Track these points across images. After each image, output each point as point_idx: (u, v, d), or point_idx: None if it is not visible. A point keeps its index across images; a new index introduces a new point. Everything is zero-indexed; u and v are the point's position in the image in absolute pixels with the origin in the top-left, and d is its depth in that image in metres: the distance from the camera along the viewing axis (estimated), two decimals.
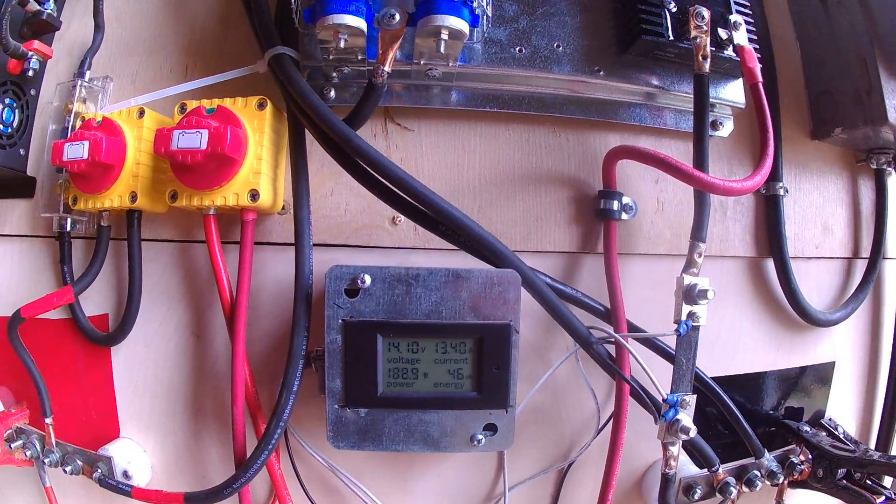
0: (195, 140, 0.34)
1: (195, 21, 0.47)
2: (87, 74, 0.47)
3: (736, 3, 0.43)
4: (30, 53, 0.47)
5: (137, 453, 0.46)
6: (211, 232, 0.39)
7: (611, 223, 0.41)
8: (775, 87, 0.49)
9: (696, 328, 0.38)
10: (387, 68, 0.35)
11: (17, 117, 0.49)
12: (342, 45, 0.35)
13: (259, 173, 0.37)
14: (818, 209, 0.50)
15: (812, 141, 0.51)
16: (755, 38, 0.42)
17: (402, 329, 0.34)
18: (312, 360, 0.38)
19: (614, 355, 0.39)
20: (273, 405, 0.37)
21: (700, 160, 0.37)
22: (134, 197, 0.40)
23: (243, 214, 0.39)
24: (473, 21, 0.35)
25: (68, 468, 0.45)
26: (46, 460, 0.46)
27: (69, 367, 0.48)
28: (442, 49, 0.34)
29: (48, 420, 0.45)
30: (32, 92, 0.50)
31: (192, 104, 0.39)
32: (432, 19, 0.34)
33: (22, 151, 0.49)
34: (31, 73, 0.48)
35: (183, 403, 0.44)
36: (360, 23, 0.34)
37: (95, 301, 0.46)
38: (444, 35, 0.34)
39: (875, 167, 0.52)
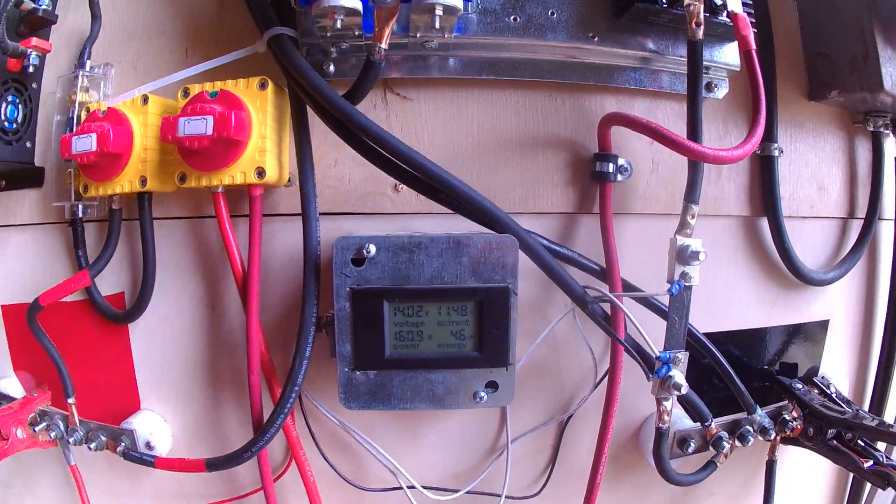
0: (201, 126, 0.38)
1: (191, 3, 0.50)
2: (88, 64, 0.50)
3: None
4: (29, 51, 0.50)
5: (159, 423, 0.52)
6: (220, 208, 0.43)
7: (606, 185, 0.45)
8: (772, 48, 0.51)
9: (689, 288, 0.42)
10: (383, 45, 0.38)
11: (20, 112, 0.53)
12: (338, 25, 0.38)
13: (264, 151, 0.41)
14: (814, 169, 0.53)
15: (809, 102, 0.54)
16: (751, 1, 0.45)
17: (406, 295, 0.39)
18: (323, 326, 0.43)
19: (610, 313, 0.43)
20: (286, 368, 0.42)
21: (693, 128, 0.40)
22: (144, 181, 0.44)
23: (251, 190, 0.43)
24: None
25: (93, 445, 0.50)
26: (71, 439, 0.51)
27: (88, 346, 0.53)
28: (437, 24, 0.38)
29: (70, 400, 0.50)
30: (34, 85, 0.53)
31: (194, 88, 0.42)
32: None
33: (28, 144, 0.53)
34: (31, 69, 0.51)
35: (201, 373, 0.49)
36: (355, 3, 0.37)
37: (110, 280, 0.50)
38: (439, 11, 0.37)
39: (872, 129, 0.55)
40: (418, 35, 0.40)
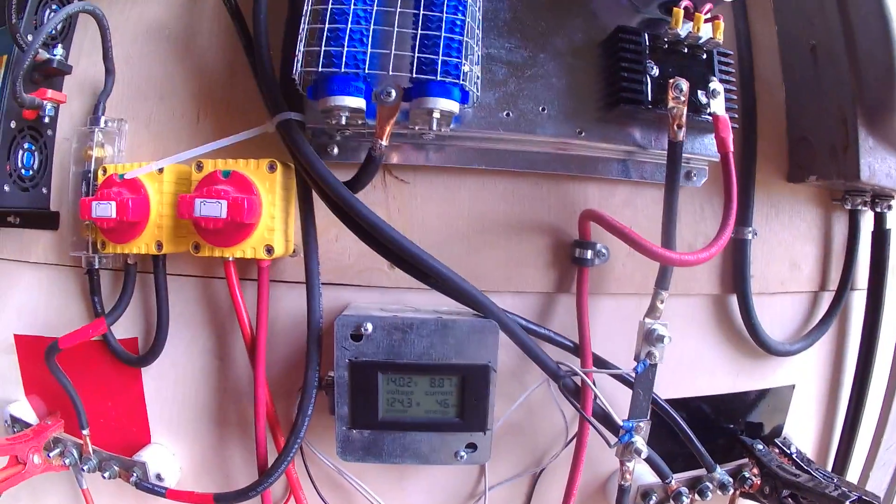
0: (216, 209, 0.44)
1: (203, 67, 0.55)
2: (102, 119, 0.56)
3: (720, 63, 0.51)
4: (45, 102, 0.55)
5: (168, 457, 0.59)
6: (231, 276, 0.49)
7: (584, 269, 0.52)
8: (754, 131, 0.57)
9: (654, 366, 0.49)
10: (384, 142, 0.44)
11: (36, 159, 0.58)
12: (343, 121, 0.44)
13: (273, 230, 0.47)
14: (787, 247, 0.60)
15: (787, 183, 0.59)
16: (734, 98, 0.50)
17: (398, 368, 0.46)
18: (323, 387, 0.50)
19: (581, 386, 0.50)
20: (288, 417, 0.50)
21: (667, 231, 0.46)
22: (160, 245, 0.50)
23: (259, 262, 0.49)
24: (464, 99, 0.44)
25: (106, 474, 0.58)
26: (85, 467, 0.58)
27: (102, 384, 0.60)
28: (434, 126, 0.43)
29: (85, 432, 0.57)
30: (49, 132, 0.59)
31: (208, 164, 0.48)
32: (425, 101, 0.42)
33: (44, 190, 0.59)
34: (46, 119, 0.57)
35: (208, 414, 0.57)
36: (359, 103, 0.43)
37: (125, 326, 0.57)
38: (437, 115, 0.43)
39: (850, 208, 0.61)
40: (416, 128, 0.46)
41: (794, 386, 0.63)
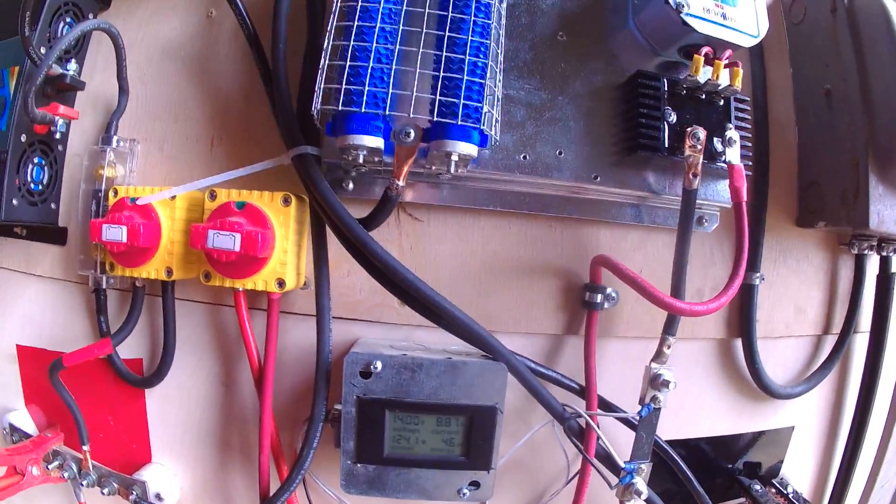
0: (229, 242, 0.45)
1: (219, 91, 0.55)
2: (115, 139, 0.56)
3: (737, 109, 0.52)
4: (56, 118, 0.56)
5: (168, 477, 0.60)
6: (241, 306, 0.50)
7: (593, 312, 0.53)
8: (766, 177, 0.58)
9: (658, 410, 0.50)
10: (401, 182, 0.45)
11: (46, 174, 0.58)
12: (360, 160, 0.44)
13: (285, 264, 0.48)
14: (794, 291, 0.61)
15: (797, 227, 0.61)
16: (748, 144, 0.51)
17: (406, 406, 0.47)
18: (329, 420, 0.51)
19: (585, 427, 0.51)
20: (292, 446, 0.50)
21: (677, 284, 0.47)
22: (170, 272, 0.51)
23: (270, 294, 0.50)
24: (483, 143, 0.44)
25: (105, 490, 0.59)
26: (84, 482, 0.59)
27: (104, 401, 0.61)
28: (452, 168, 0.44)
29: (85, 447, 0.58)
30: (60, 148, 0.59)
31: (221, 193, 0.49)
32: (444, 144, 0.43)
33: (53, 206, 0.59)
34: (58, 135, 0.57)
35: (212, 438, 0.57)
36: (378, 142, 0.43)
37: (130, 346, 0.58)
38: (455, 158, 0.43)
39: (857, 252, 0.62)
40: (433, 168, 0.47)
41: (793, 427, 0.65)
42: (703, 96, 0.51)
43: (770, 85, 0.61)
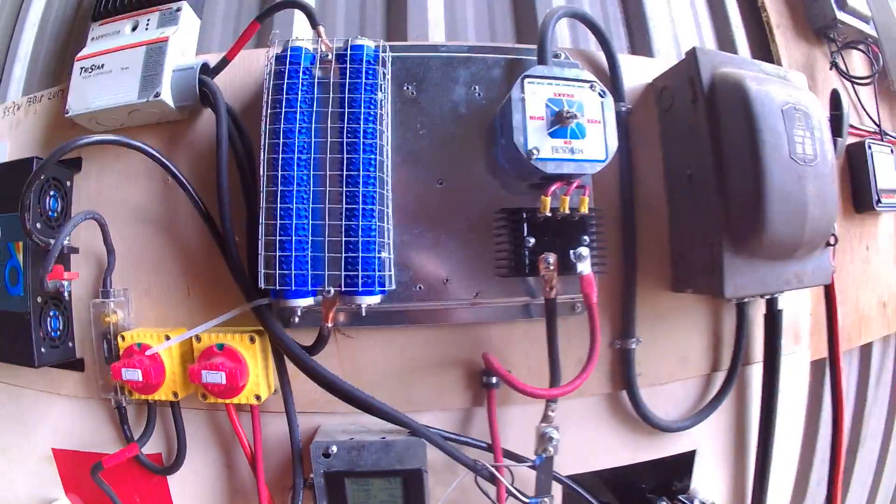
0: (217, 378, 0.85)
1: (186, 247, 0.93)
2: (111, 293, 0.97)
3: (589, 224, 0.88)
4: (63, 283, 0.97)
5: None
6: (232, 414, 0.91)
7: (492, 390, 0.92)
8: (633, 253, 0.94)
9: (550, 458, 0.91)
10: (329, 324, 0.84)
11: (61, 321, 1.00)
12: (299, 312, 0.84)
13: (258, 384, 0.89)
14: (674, 345, 0.98)
15: (672, 293, 0.97)
16: (604, 248, 0.88)
17: (358, 474, 0.88)
18: (308, 486, 0.94)
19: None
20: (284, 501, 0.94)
21: (553, 367, 0.86)
22: (176, 395, 0.92)
23: (251, 404, 0.92)
24: (382, 291, 0.83)
25: None
26: None
27: (135, 489, 1.06)
28: (363, 311, 0.83)
29: None
30: (67, 298, 1.00)
31: (204, 337, 0.89)
32: (354, 299, 0.81)
33: (70, 344, 1.02)
34: (66, 294, 0.98)
35: None
36: (309, 302, 0.82)
37: (150, 444, 1.01)
38: (364, 305, 0.82)
39: (737, 302, 0.99)
40: (353, 306, 0.86)
41: (694, 451, 1.05)
42: (560, 218, 0.87)
43: (642, 165, 0.96)
